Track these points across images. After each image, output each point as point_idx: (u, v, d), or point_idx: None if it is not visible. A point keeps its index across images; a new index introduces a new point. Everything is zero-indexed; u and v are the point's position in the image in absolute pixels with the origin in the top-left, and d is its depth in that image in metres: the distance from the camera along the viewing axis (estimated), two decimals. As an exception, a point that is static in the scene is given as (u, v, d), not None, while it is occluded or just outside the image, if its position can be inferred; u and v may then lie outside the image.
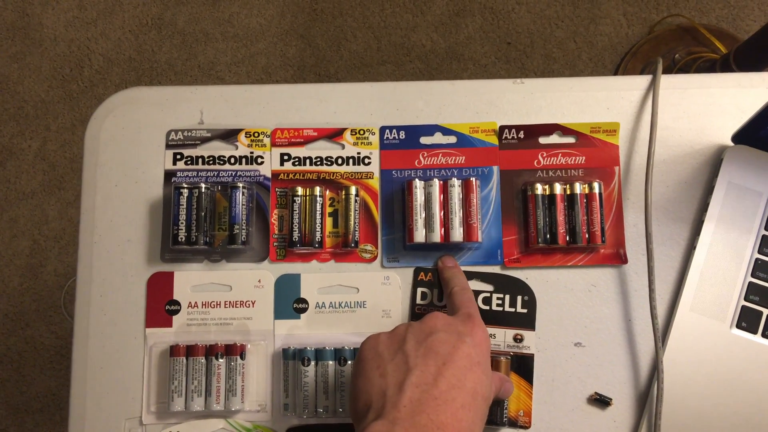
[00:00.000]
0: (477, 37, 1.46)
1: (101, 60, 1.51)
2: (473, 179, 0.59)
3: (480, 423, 0.44)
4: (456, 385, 0.43)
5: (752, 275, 0.58)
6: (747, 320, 0.57)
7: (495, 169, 0.61)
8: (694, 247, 0.59)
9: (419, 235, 0.58)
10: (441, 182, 0.59)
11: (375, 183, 0.61)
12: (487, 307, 0.59)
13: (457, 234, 0.58)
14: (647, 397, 0.57)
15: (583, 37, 1.46)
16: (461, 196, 0.59)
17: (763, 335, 0.57)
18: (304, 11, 1.50)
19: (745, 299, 0.57)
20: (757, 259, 0.58)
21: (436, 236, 0.58)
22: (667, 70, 1.36)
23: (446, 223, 0.59)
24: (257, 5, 1.52)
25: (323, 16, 1.50)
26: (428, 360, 0.44)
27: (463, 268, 0.60)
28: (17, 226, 1.46)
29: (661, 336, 0.57)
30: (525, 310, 0.59)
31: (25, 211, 1.46)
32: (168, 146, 0.62)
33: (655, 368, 0.56)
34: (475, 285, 0.59)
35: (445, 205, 0.59)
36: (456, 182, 0.59)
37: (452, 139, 0.62)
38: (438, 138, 0.62)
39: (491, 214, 0.60)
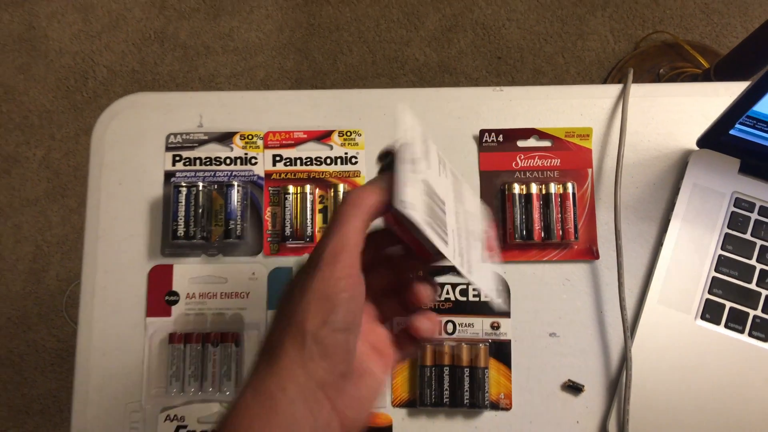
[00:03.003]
0: (468, 52, 1.51)
1: (105, 72, 1.56)
2: (454, 179, 0.63)
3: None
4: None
5: (716, 270, 0.61)
6: (711, 312, 0.61)
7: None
8: (662, 244, 0.62)
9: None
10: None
11: (362, 181, 0.65)
12: (465, 298, 0.63)
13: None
14: (617, 384, 0.61)
15: (571, 53, 1.51)
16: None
17: (726, 326, 0.61)
18: (302, 26, 1.55)
19: (709, 292, 0.61)
20: (720, 255, 0.62)
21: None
22: (653, 84, 1.40)
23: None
24: (257, 20, 1.57)
25: (320, 30, 1.55)
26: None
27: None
28: (21, 232, 1.50)
29: (630, 327, 0.61)
30: (499, 299, 0.63)
31: (29, 217, 1.50)
32: (168, 149, 0.66)
33: (625, 357, 0.60)
34: (452, 278, 0.63)
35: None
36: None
37: (435, 142, 0.66)
38: (422, 141, 0.66)
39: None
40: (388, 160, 0.39)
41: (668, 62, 1.43)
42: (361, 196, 0.38)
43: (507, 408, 0.61)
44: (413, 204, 0.36)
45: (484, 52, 1.51)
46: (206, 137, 0.66)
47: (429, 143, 0.41)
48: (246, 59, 1.55)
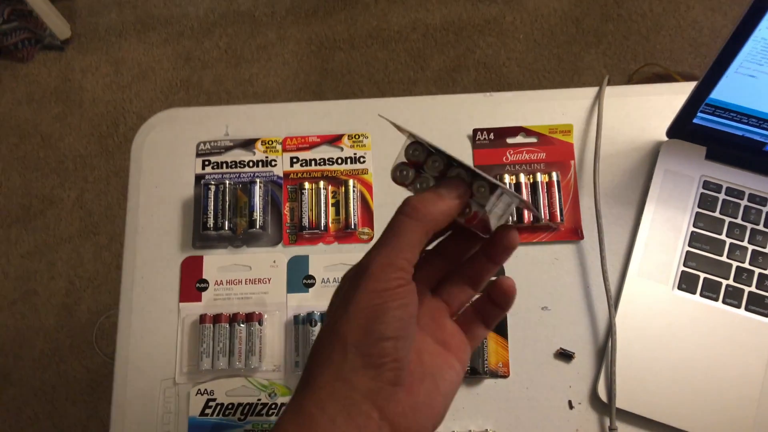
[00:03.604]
0: (472, 89, 1.62)
1: (135, 118, 1.68)
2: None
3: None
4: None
5: (689, 245, 0.68)
6: (687, 282, 0.67)
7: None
8: (639, 224, 0.69)
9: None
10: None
11: (370, 177, 0.73)
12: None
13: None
14: (604, 350, 0.67)
15: (567, 87, 1.61)
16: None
17: (701, 295, 0.67)
18: (316, 70, 1.68)
19: (684, 265, 0.68)
20: (692, 232, 0.68)
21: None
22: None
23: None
24: (274, 67, 1.70)
25: (333, 74, 1.67)
26: None
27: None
28: (55, 269, 1.59)
29: (614, 298, 0.68)
30: (494, 278, 0.69)
31: (63, 254, 1.60)
32: (198, 155, 0.75)
33: (610, 326, 0.66)
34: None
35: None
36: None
37: (434, 142, 0.74)
38: (422, 142, 0.74)
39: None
40: (416, 157, 0.39)
41: (660, 92, 1.53)
42: (423, 206, 0.36)
43: (505, 375, 0.67)
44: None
45: (486, 89, 1.62)
46: (232, 144, 0.75)
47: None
48: (265, 102, 1.67)
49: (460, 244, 0.43)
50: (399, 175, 0.40)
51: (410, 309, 0.36)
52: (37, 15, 1.68)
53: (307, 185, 0.72)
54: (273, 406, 0.68)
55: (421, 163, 0.40)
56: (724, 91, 0.64)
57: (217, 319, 0.69)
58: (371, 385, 0.35)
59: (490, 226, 0.39)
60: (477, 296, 0.44)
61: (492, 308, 0.43)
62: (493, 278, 0.44)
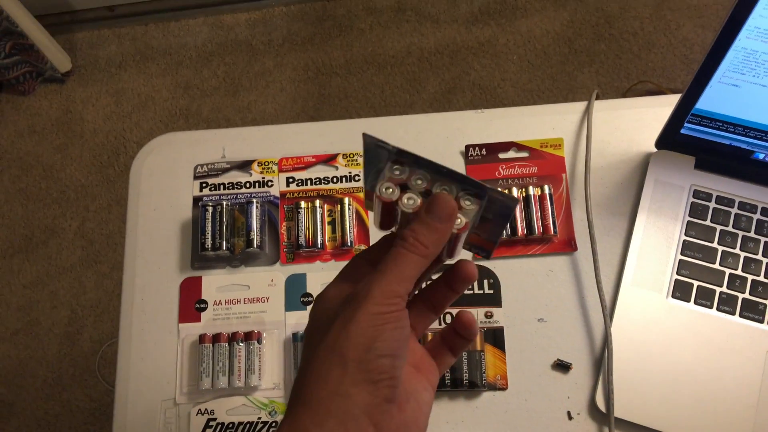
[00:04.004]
0: (467, 110, 1.64)
1: (135, 147, 1.70)
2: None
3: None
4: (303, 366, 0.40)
5: (682, 254, 0.69)
6: (680, 291, 0.68)
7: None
8: (632, 234, 0.70)
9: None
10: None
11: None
12: (460, 287, 0.70)
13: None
14: (601, 360, 0.67)
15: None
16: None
17: (696, 303, 0.67)
18: (314, 96, 1.70)
19: (678, 273, 0.68)
20: (684, 241, 0.69)
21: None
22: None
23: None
24: (272, 94, 1.72)
25: (330, 99, 1.69)
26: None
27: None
28: (57, 298, 1.60)
29: (609, 308, 0.68)
30: (491, 291, 0.70)
31: (65, 283, 1.61)
32: (195, 177, 0.77)
33: (606, 335, 0.67)
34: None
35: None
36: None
37: (427, 159, 0.75)
38: (415, 159, 0.76)
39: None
40: (398, 177, 0.40)
41: (653, 108, 1.54)
42: (421, 242, 0.38)
43: (503, 388, 0.68)
44: None
45: (482, 110, 1.64)
46: (228, 166, 0.77)
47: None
48: (263, 129, 1.69)
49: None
50: (384, 192, 0.41)
51: (405, 331, 0.38)
52: (38, 49, 1.71)
53: (303, 204, 0.73)
54: (273, 425, 0.68)
55: (404, 181, 0.41)
56: (709, 101, 0.65)
57: (216, 338, 0.70)
58: (369, 400, 0.36)
59: (456, 251, 0.41)
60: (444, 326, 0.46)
61: (458, 339, 0.45)
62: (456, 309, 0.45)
